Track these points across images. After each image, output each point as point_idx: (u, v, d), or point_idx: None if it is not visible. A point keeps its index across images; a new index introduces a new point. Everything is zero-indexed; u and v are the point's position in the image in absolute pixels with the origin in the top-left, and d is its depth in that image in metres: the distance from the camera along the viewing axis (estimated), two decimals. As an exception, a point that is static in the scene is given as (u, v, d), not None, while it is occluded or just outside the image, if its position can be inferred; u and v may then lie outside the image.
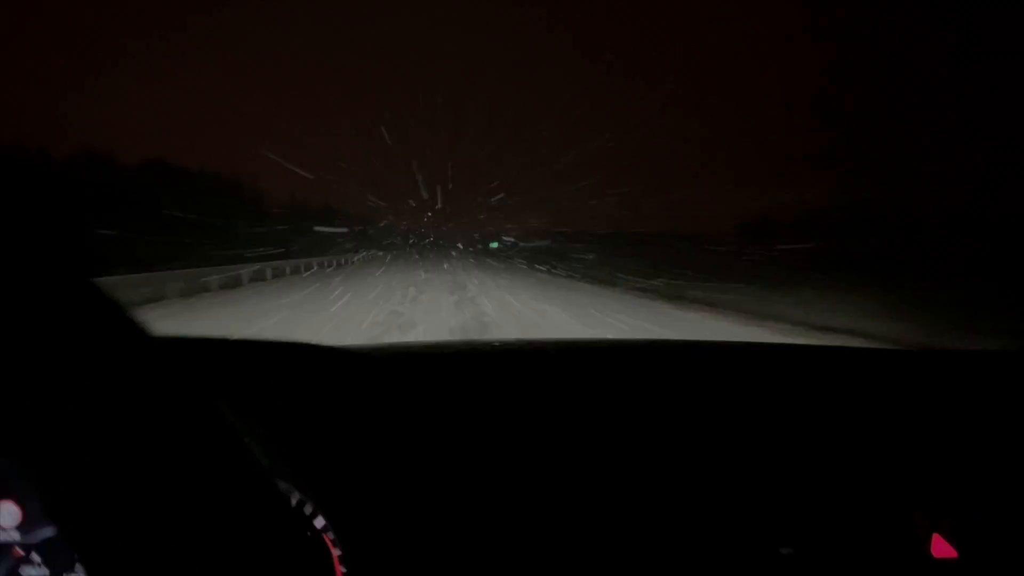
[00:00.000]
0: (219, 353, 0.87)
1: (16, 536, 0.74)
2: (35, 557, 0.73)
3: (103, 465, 0.34)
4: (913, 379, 1.02)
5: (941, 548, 0.76)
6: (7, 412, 0.33)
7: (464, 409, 0.87)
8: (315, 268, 22.75)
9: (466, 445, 0.82)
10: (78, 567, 0.73)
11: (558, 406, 0.90)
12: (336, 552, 0.72)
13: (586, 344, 1.44)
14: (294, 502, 0.73)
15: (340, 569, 0.71)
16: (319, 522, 0.72)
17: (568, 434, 0.85)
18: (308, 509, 0.73)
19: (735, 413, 0.90)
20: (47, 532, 0.74)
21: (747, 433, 0.86)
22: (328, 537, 0.72)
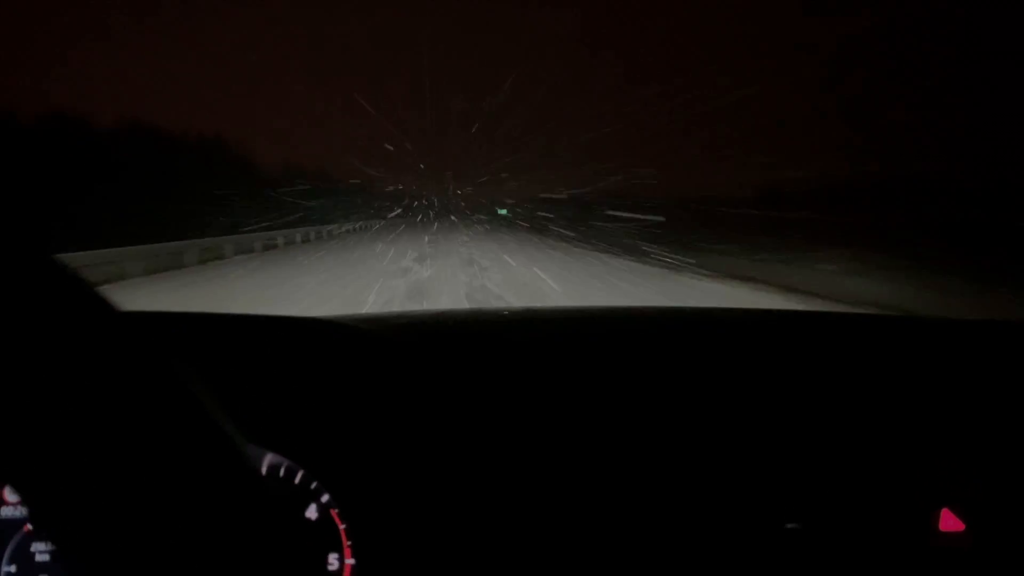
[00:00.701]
0: (216, 329, 0.87)
1: (24, 512, 0.74)
2: (44, 533, 0.74)
3: (70, 453, 0.33)
4: (924, 349, 1.01)
5: (949, 522, 0.76)
6: None
7: (471, 382, 0.86)
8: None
9: (474, 417, 0.81)
10: None
11: (567, 376, 0.90)
12: (342, 526, 0.72)
13: (594, 313, 1.43)
14: (298, 478, 0.73)
15: (347, 543, 0.72)
16: (324, 497, 0.73)
17: (577, 405, 0.84)
18: (313, 485, 0.73)
19: (744, 383, 0.90)
20: None
21: (754, 404, 0.85)
22: (334, 512, 0.72)
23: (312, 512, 0.72)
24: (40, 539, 0.74)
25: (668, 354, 0.99)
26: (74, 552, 0.33)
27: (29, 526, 0.74)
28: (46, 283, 0.35)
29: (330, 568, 0.71)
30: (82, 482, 0.33)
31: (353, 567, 0.71)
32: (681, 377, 0.91)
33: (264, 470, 0.74)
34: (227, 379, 0.74)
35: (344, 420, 0.78)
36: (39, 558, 0.73)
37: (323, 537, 0.72)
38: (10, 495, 0.75)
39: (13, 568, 0.73)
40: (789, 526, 0.74)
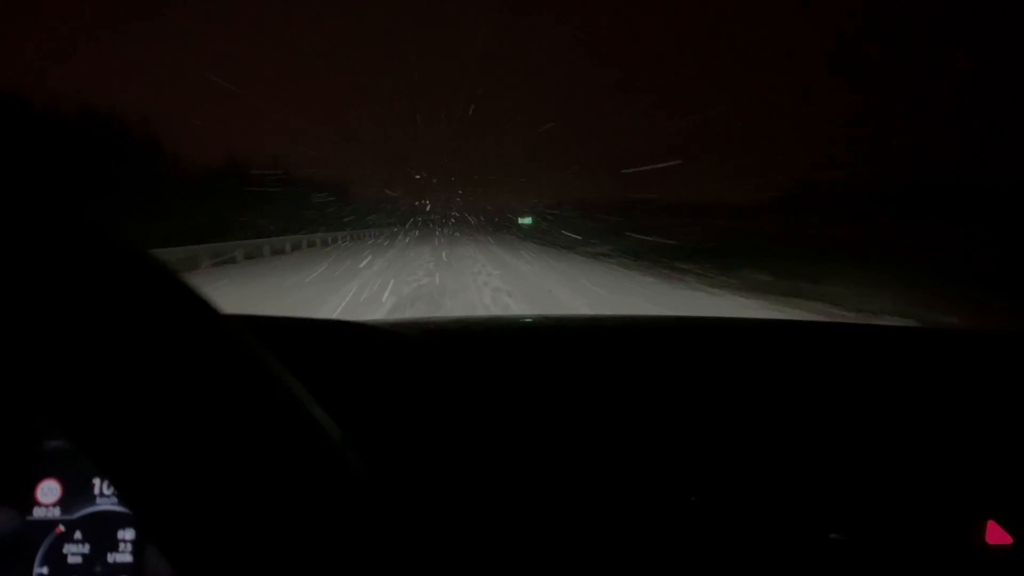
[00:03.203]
0: (259, 330, 0.86)
1: (57, 513, 0.74)
2: (77, 534, 0.74)
3: (178, 446, 0.33)
4: (968, 360, 0.99)
5: (996, 535, 0.74)
6: (69, 393, 0.32)
7: (492, 388, 0.86)
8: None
9: (495, 424, 0.80)
10: (121, 544, 0.73)
11: (592, 385, 0.89)
12: None
13: (614, 321, 1.42)
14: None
15: None
16: None
17: (605, 414, 0.83)
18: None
19: (780, 393, 0.88)
20: (88, 509, 0.75)
21: (794, 414, 0.84)
22: None
23: None
24: (72, 540, 0.74)
25: (698, 363, 0.98)
26: (174, 544, 0.33)
27: (62, 527, 0.74)
28: (152, 284, 0.34)
29: None
30: (189, 481, 0.33)
31: None
32: (714, 386, 0.90)
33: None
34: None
35: (372, 424, 0.77)
36: (71, 560, 0.73)
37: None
38: (43, 496, 0.75)
39: (45, 570, 0.72)
40: (833, 536, 0.72)
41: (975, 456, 0.80)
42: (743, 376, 0.93)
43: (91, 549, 0.73)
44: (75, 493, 0.75)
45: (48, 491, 0.75)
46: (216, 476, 0.33)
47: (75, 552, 0.73)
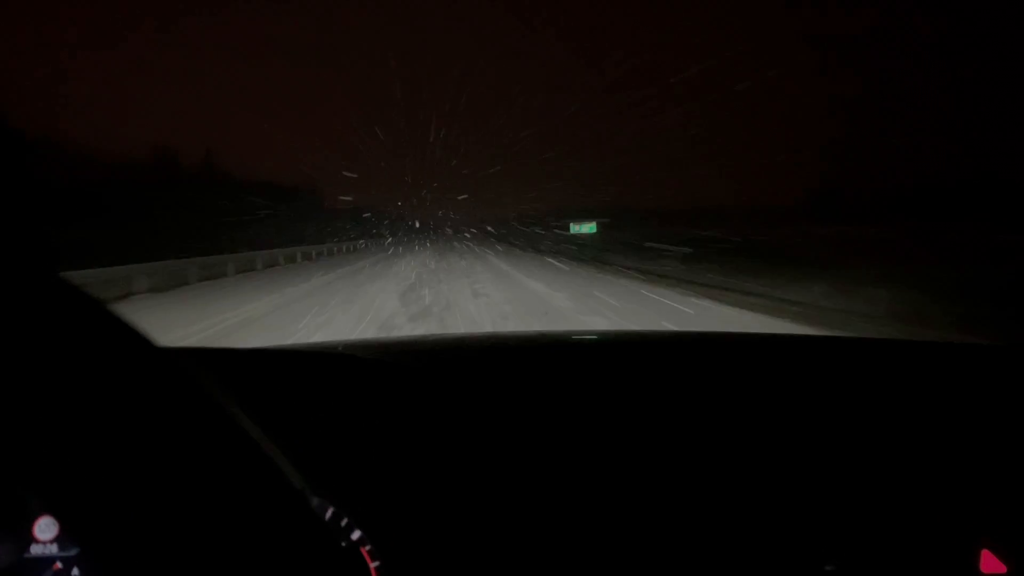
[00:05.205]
0: (240, 363, 0.87)
1: (55, 549, 0.74)
2: (74, 571, 0.74)
3: (125, 484, 0.33)
4: (960, 379, 1.00)
5: (990, 564, 0.74)
6: (14, 439, 0.32)
7: (490, 408, 0.86)
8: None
9: (494, 444, 0.81)
10: None
11: (587, 401, 0.89)
12: (374, 564, 0.71)
13: (608, 337, 1.42)
14: (328, 515, 0.72)
15: None
16: (355, 534, 0.72)
17: (598, 433, 0.83)
18: (343, 522, 0.72)
19: (773, 413, 0.88)
20: None
21: (787, 437, 0.84)
22: (365, 549, 0.71)
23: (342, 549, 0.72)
24: None
25: (692, 381, 0.98)
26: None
27: (59, 564, 0.74)
28: (88, 321, 0.34)
29: None
30: (131, 511, 0.33)
31: None
32: (708, 408, 0.90)
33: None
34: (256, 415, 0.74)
35: (372, 455, 0.77)
36: None
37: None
38: (40, 533, 0.74)
39: None
40: (828, 568, 0.72)
41: (969, 485, 0.80)
42: (735, 396, 0.93)
43: None
44: None
45: (46, 528, 0.74)
46: (151, 503, 0.33)
47: None
